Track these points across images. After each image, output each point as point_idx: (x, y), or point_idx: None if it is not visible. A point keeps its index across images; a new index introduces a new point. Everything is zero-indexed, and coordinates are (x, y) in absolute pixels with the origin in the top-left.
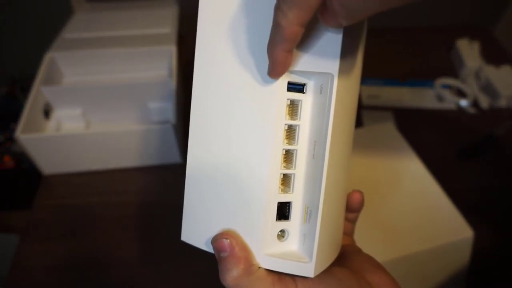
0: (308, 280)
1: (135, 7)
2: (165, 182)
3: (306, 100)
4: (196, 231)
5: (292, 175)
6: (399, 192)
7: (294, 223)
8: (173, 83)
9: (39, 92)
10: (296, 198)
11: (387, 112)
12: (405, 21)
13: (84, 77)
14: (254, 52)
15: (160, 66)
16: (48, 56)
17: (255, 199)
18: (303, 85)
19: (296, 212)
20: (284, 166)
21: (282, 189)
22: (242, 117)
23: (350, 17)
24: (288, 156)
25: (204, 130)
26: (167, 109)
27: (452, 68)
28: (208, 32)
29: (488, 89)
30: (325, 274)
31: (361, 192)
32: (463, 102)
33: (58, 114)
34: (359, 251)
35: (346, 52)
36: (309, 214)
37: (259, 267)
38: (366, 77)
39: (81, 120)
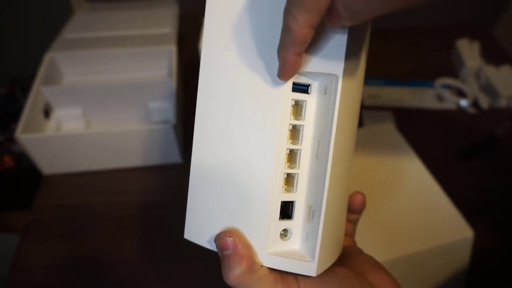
0: (310, 279)
1: (135, 7)
2: (165, 182)
3: (311, 101)
4: (199, 229)
5: (296, 175)
6: (399, 192)
7: (297, 222)
8: (173, 83)
9: (39, 92)
10: (299, 197)
11: (387, 112)
12: (405, 21)
13: (84, 77)
14: (259, 53)
15: (160, 66)
16: (48, 56)
17: (259, 198)
18: (308, 85)
19: (299, 211)
20: (288, 166)
21: (285, 189)
22: (246, 117)
23: (354, 18)
24: (292, 156)
25: (208, 129)
26: (167, 109)
27: (452, 68)
28: (214, 33)
29: (488, 89)
30: (327, 273)
31: (363, 194)
32: (463, 102)
33: (58, 114)
34: (360, 251)
35: (351, 54)
36: (312, 213)
37: (261, 266)
38: (366, 77)
39: (81, 120)
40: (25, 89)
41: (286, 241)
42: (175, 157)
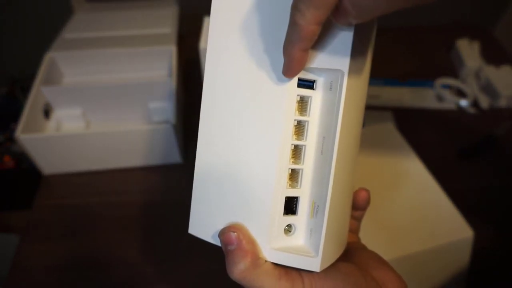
0: (314, 274)
1: (135, 7)
2: (165, 182)
3: (316, 97)
4: (203, 224)
5: (300, 171)
6: (399, 192)
7: (301, 218)
8: (173, 83)
9: (39, 92)
10: (304, 193)
11: (387, 112)
12: (405, 21)
13: (84, 77)
14: (264, 50)
15: (160, 66)
16: (48, 56)
17: (263, 193)
18: (313, 81)
19: (303, 207)
20: (293, 162)
21: (290, 184)
22: (252, 112)
23: (360, 16)
24: (297, 152)
25: (214, 124)
26: (167, 109)
27: (452, 68)
28: (219, 31)
29: (488, 89)
30: (331, 269)
31: (367, 190)
32: (463, 102)
33: (58, 114)
34: (364, 248)
35: (356, 50)
36: (316, 209)
37: (265, 261)
38: None
39: (81, 120)
40: (25, 89)
41: (290, 237)
42: (175, 157)
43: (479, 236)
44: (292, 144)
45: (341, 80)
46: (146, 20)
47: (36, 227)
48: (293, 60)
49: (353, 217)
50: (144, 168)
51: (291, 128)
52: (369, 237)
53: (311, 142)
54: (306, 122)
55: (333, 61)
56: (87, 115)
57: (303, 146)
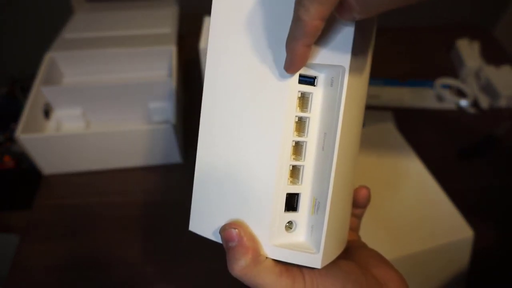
0: (315, 271)
1: (135, 7)
2: (165, 182)
3: (317, 93)
4: (204, 221)
5: (301, 167)
6: (399, 192)
7: (302, 214)
8: (173, 83)
9: (39, 92)
10: (305, 189)
11: (387, 112)
12: (405, 21)
13: (84, 77)
14: (265, 47)
15: (160, 66)
16: (48, 56)
17: (264, 190)
18: (314, 78)
19: (304, 203)
20: (294, 158)
21: (291, 181)
22: (253, 109)
23: (365, 12)
24: (298, 148)
25: (214, 121)
26: (167, 109)
27: (452, 68)
28: (220, 28)
29: (488, 89)
30: (331, 266)
31: (367, 188)
32: (463, 102)
33: (58, 114)
34: (364, 246)
35: (358, 47)
36: (317, 205)
37: (266, 258)
38: None
39: (81, 120)
40: (25, 89)
41: (291, 233)
42: (175, 157)
43: (479, 236)
44: (293, 141)
45: (342, 76)
46: (146, 20)
47: (36, 227)
48: (295, 56)
49: (353, 215)
50: (144, 168)
51: (292, 125)
52: (368, 237)
53: (312, 138)
54: (307, 119)
55: (334, 57)
56: (87, 115)
57: (304, 143)
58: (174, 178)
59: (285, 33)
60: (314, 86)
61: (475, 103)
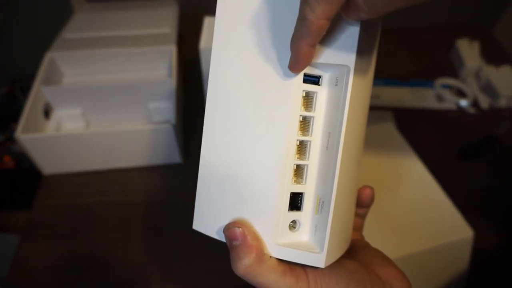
0: (319, 270)
1: (135, 7)
2: (165, 182)
3: (321, 92)
4: (208, 220)
5: (305, 166)
6: (399, 192)
7: (306, 214)
8: (173, 83)
9: (39, 92)
10: (309, 189)
11: (387, 112)
12: (405, 21)
13: (84, 77)
14: (269, 46)
15: (160, 66)
16: (48, 56)
17: (268, 189)
18: (319, 77)
19: (308, 203)
20: (298, 157)
21: (295, 180)
22: (257, 108)
23: (372, 11)
24: (302, 148)
25: (219, 120)
26: (167, 109)
27: (452, 68)
28: (224, 28)
29: (488, 89)
30: (335, 265)
31: (371, 188)
32: (463, 102)
33: (58, 114)
34: (368, 245)
35: (362, 47)
36: (321, 205)
37: (270, 257)
38: None
39: (81, 120)
40: (25, 89)
41: (295, 233)
42: (175, 157)
43: (479, 236)
44: (297, 140)
45: (347, 75)
46: (146, 20)
47: (36, 227)
48: (300, 55)
49: (357, 214)
50: (144, 168)
51: (296, 124)
52: (368, 237)
53: (316, 138)
54: (312, 118)
55: (339, 56)
56: (87, 115)
57: (309, 142)
58: (174, 178)
59: (290, 32)
60: (319, 85)
61: (475, 103)
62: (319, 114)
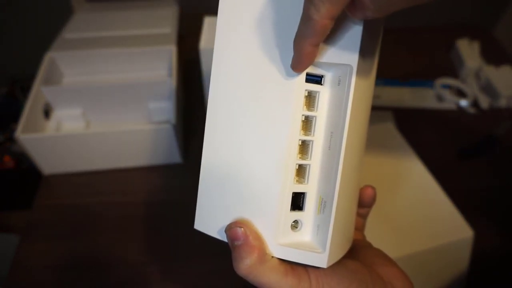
0: (321, 270)
1: (135, 7)
2: (165, 182)
3: (324, 92)
4: (210, 219)
5: (308, 166)
6: (399, 192)
7: (308, 213)
8: (173, 83)
9: (39, 92)
10: (311, 189)
11: (387, 112)
12: (405, 21)
13: (84, 77)
14: (273, 44)
15: (160, 66)
16: (48, 56)
17: (270, 189)
18: (321, 76)
19: (310, 203)
20: (300, 157)
21: (297, 180)
22: (259, 107)
23: (378, 11)
24: (304, 147)
25: (220, 119)
26: (167, 109)
27: (452, 68)
28: (226, 27)
29: (488, 89)
30: (337, 265)
31: (373, 187)
32: (463, 102)
33: (58, 114)
34: (369, 245)
35: (365, 46)
36: (323, 205)
37: (272, 257)
38: None
39: (81, 120)
40: (25, 89)
41: (297, 232)
42: (175, 157)
43: (479, 236)
44: (299, 140)
45: (350, 75)
46: (146, 20)
47: (36, 227)
48: (303, 55)
49: (358, 214)
50: (144, 168)
51: (298, 123)
52: (368, 237)
53: (318, 137)
54: (314, 118)
55: (342, 56)
56: (87, 115)
57: (311, 142)
58: (174, 178)
59: (293, 31)
60: (321, 85)
61: (475, 103)
62: (322, 113)
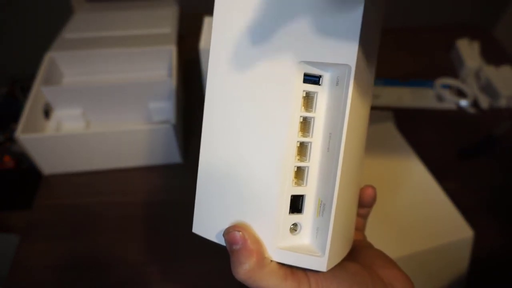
0: (320, 274)
1: (135, 7)
2: (165, 182)
3: (322, 93)
4: (208, 223)
5: (306, 168)
6: (399, 192)
7: (307, 216)
8: (173, 83)
9: (39, 92)
10: (310, 191)
11: (387, 112)
12: (405, 21)
13: (84, 77)
14: (269, 44)
15: (160, 66)
16: (48, 56)
17: (268, 191)
18: (319, 77)
19: (309, 205)
20: (298, 159)
21: (295, 182)
22: (256, 109)
23: None
24: (303, 149)
25: (217, 121)
26: (167, 109)
27: (452, 68)
28: (222, 27)
29: (488, 89)
30: (337, 268)
31: (373, 187)
32: (463, 102)
33: (58, 114)
34: (370, 246)
35: (363, 45)
36: (322, 207)
37: (271, 261)
38: None
39: (81, 120)
40: (25, 89)
41: (296, 236)
42: (175, 157)
43: (479, 236)
44: (297, 141)
45: (348, 75)
46: (146, 20)
47: (36, 227)
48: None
49: (359, 214)
50: (144, 168)
51: (296, 125)
52: (368, 237)
53: (317, 139)
54: (312, 119)
55: (340, 55)
56: (87, 115)
57: (309, 143)
58: (174, 178)
59: (290, 30)
60: (319, 85)
61: (475, 103)
62: (320, 114)
